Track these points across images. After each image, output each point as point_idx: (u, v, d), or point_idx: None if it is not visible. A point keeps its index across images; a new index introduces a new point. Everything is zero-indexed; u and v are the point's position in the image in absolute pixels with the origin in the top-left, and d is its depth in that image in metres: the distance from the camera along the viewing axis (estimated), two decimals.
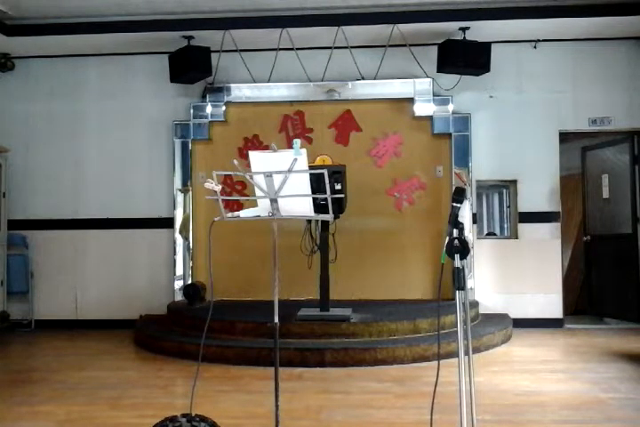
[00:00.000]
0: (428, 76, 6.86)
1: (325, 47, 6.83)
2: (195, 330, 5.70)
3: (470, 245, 3.21)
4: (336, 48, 6.80)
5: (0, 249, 7.06)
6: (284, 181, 3.04)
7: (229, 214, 3.26)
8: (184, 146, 7.16)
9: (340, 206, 5.37)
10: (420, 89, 6.92)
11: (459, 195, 2.92)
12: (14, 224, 7.22)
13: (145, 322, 6.71)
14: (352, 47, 6.76)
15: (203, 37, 6.60)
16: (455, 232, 2.83)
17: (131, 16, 6.46)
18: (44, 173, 7.33)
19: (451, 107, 6.91)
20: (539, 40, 6.93)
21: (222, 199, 3.23)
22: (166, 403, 4.22)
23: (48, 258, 7.27)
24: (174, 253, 7.09)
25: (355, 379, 4.79)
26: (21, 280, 7.17)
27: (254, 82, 6.99)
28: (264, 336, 5.37)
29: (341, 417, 3.88)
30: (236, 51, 6.81)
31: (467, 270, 2.89)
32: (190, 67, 6.63)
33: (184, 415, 2.90)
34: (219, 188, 3.16)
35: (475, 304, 6.57)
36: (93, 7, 6.26)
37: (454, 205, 2.90)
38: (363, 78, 6.90)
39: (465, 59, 6.43)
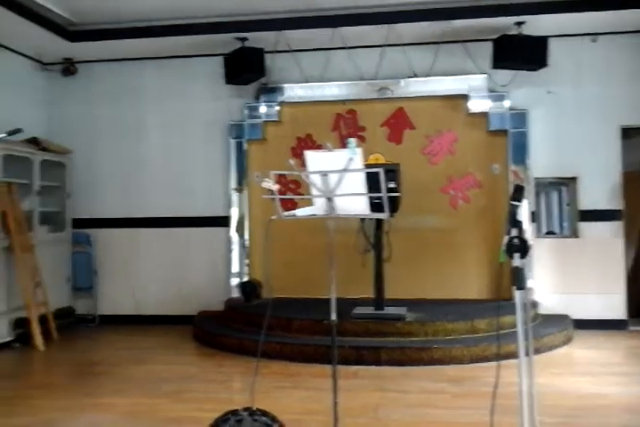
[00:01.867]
0: (482, 73, 6.75)
1: (377, 45, 6.81)
2: (252, 326, 5.77)
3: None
4: (388, 46, 6.77)
5: (66, 247, 7.36)
6: (339, 180, 3.06)
7: (286, 213, 3.31)
8: (239, 146, 7.28)
9: (394, 205, 5.36)
10: (474, 85, 6.81)
11: (518, 193, 2.88)
12: (79, 223, 7.51)
13: (203, 318, 6.86)
14: (404, 44, 6.72)
15: (256, 39, 6.69)
16: (514, 231, 2.80)
17: (186, 19, 6.59)
18: (106, 174, 7.58)
19: (507, 103, 6.77)
20: (598, 33, 6.72)
21: (279, 198, 3.28)
22: (226, 398, 4.33)
23: (110, 255, 7.53)
24: (230, 251, 7.23)
25: (411, 378, 4.77)
26: (86, 277, 7.47)
27: (307, 82, 7.04)
28: (320, 334, 5.40)
29: (398, 416, 3.88)
30: (288, 51, 6.88)
31: (526, 270, 2.84)
32: (245, 68, 6.74)
33: (245, 409, 2.96)
34: (276, 187, 3.21)
35: (534, 304, 6.44)
36: (150, 11, 6.44)
37: (513, 203, 2.86)
38: (415, 76, 6.85)
39: (521, 54, 6.28)
